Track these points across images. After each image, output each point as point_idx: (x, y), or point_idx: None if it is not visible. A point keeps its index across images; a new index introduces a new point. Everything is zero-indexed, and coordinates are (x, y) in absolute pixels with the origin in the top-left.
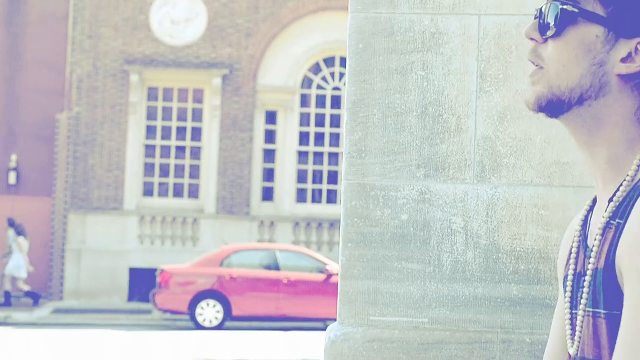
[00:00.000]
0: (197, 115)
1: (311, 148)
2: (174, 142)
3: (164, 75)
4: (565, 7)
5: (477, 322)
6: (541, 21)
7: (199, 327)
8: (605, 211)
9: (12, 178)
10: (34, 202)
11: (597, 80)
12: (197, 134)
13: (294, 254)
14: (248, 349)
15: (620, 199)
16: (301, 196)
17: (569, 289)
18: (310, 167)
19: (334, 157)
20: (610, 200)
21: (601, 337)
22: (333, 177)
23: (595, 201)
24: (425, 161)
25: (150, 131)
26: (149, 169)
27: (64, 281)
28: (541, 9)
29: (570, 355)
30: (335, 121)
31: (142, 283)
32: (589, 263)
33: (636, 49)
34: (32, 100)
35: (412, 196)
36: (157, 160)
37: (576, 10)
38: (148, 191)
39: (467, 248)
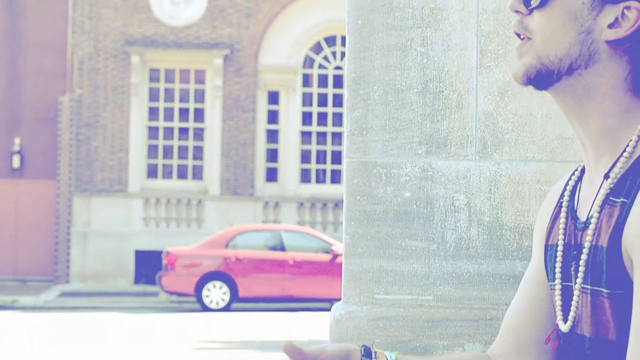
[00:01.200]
0: (199, 96)
1: (314, 128)
2: (176, 124)
3: (165, 56)
4: None
5: (481, 299)
6: None
7: (206, 308)
8: (601, 186)
9: (16, 161)
10: (38, 185)
11: (586, 48)
12: (199, 114)
13: (299, 235)
14: (254, 330)
15: (619, 175)
16: (305, 176)
17: (559, 259)
18: (314, 147)
19: (337, 137)
20: (607, 176)
21: (603, 315)
22: (336, 157)
23: (583, 171)
24: (426, 138)
25: (153, 112)
26: (152, 150)
27: (69, 264)
28: None
29: (558, 328)
30: (338, 100)
31: (148, 265)
32: (586, 238)
33: (622, 13)
34: (34, 83)
35: (414, 173)
36: (160, 142)
37: None
38: (152, 173)
39: (471, 225)
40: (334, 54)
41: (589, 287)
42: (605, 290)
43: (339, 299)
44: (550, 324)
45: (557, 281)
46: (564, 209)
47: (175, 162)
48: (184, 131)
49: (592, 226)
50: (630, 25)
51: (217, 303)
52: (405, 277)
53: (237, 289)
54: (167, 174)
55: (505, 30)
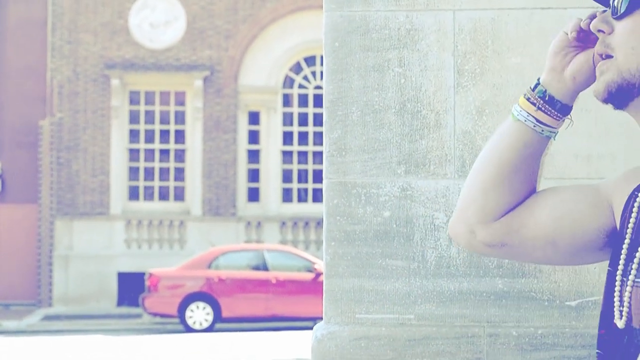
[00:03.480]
0: (180, 118)
1: (295, 147)
2: (157, 145)
3: (144, 78)
4: None
5: (463, 317)
6: (614, 3)
7: (189, 329)
8: None
9: None
10: (19, 209)
11: None
12: (180, 136)
13: (282, 254)
14: (239, 350)
15: None
16: (287, 195)
17: (624, 252)
18: (295, 167)
19: (318, 156)
20: None
21: None
22: (318, 176)
23: None
24: (405, 157)
25: (133, 135)
26: (133, 172)
27: (52, 287)
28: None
29: (616, 326)
30: (318, 120)
31: (131, 287)
32: None
33: None
34: (14, 107)
35: (394, 193)
36: (142, 164)
37: None
38: (133, 195)
39: (451, 243)
40: (313, 73)
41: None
42: None
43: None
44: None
45: (618, 276)
46: (637, 204)
47: (156, 183)
48: (165, 153)
49: None
50: None
51: (201, 324)
52: (387, 296)
53: (220, 309)
54: (149, 196)
55: (481, 50)
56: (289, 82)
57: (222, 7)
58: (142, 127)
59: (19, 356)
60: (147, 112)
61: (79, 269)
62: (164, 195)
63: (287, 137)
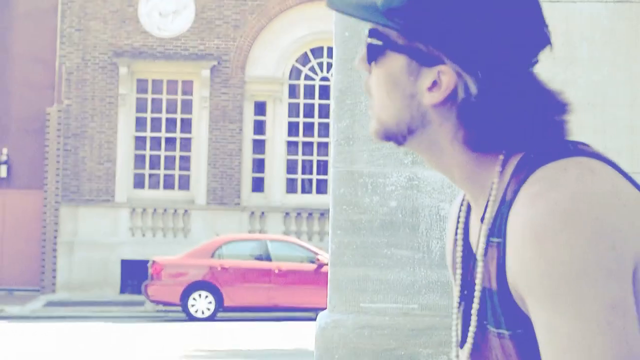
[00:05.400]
0: (186, 107)
1: (300, 138)
2: (163, 134)
3: (152, 67)
4: (371, 39)
5: None
6: (363, 52)
7: (191, 318)
8: (481, 230)
9: (3, 171)
10: (25, 195)
11: (415, 111)
12: (186, 125)
13: (285, 244)
14: (240, 340)
15: (491, 219)
16: (291, 186)
17: (456, 293)
18: (300, 157)
19: (323, 147)
20: (482, 219)
21: (510, 357)
22: (322, 167)
23: (469, 206)
24: None
25: (140, 123)
26: (139, 160)
27: (56, 274)
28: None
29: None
30: (324, 111)
31: (134, 275)
32: (476, 281)
33: (438, 76)
34: (22, 94)
35: (400, 183)
36: (147, 152)
37: (380, 43)
38: (139, 183)
39: None
40: (320, 65)
41: (494, 329)
42: (506, 332)
43: (325, 309)
44: None
45: (454, 317)
46: (459, 240)
47: (162, 172)
48: (171, 141)
49: (479, 268)
50: (444, 89)
51: (203, 312)
52: (391, 285)
53: (222, 298)
54: (154, 184)
55: None
56: (295, 73)
57: None
58: (148, 115)
59: (21, 342)
60: (154, 101)
61: (83, 256)
62: (169, 184)
63: (293, 128)
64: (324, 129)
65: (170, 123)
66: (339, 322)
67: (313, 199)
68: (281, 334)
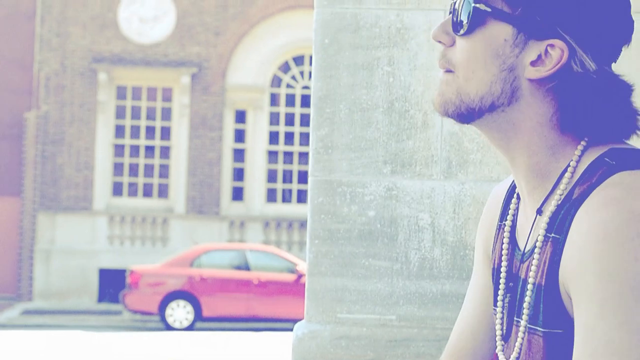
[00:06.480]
0: (166, 114)
1: (281, 147)
2: (143, 142)
3: (132, 73)
4: (477, 5)
5: (444, 319)
6: (454, 19)
7: (169, 327)
8: (535, 221)
9: None
10: (1, 202)
11: (508, 86)
12: (166, 133)
13: (264, 254)
14: (219, 350)
15: (550, 215)
16: (271, 196)
17: (502, 286)
18: (280, 167)
19: (304, 157)
20: (539, 212)
21: (537, 354)
22: (303, 177)
23: (519, 196)
24: (391, 157)
25: (119, 130)
26: (118, 168)
27: (33, 282)
28: (454, 6)
29: (496, 356)
30: (305, 120)
31: (112, 283)
32: (530, 274)
33: (546, 51)
34: None
35: (379, 192)
36: (126, 160)
37: (488, 9)
38: (117, 191)
39: (434, 244)
40: (302, 73)
41: (527, 325)
42: (540, 330)
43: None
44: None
45: (499, 309)
46: (506, 233)
47: (141, 180)
48: (150, 149)
49: (534, 265)
50: (553, 65)
51: (181, 322)
52: (369, 296)
53: (201, 308)
54: (133, 192)
55: None
56: (276, 82)
57: (212, 3)
58: (128, 122)
59: None
60: (133, 108)
61: (60, 264)
62: (147, 192)
63: (273, 137)
64: (305, 138)
65: (150, 130)
66: (316, 332)
67: (293, 209)
68: (259, 345)
